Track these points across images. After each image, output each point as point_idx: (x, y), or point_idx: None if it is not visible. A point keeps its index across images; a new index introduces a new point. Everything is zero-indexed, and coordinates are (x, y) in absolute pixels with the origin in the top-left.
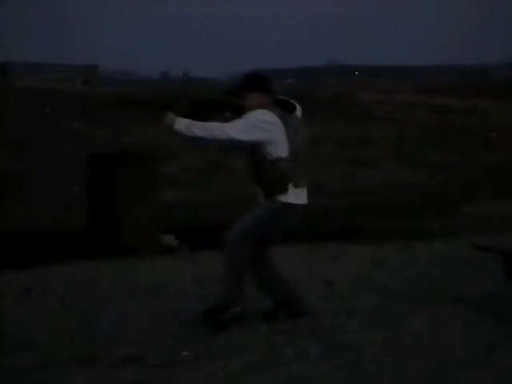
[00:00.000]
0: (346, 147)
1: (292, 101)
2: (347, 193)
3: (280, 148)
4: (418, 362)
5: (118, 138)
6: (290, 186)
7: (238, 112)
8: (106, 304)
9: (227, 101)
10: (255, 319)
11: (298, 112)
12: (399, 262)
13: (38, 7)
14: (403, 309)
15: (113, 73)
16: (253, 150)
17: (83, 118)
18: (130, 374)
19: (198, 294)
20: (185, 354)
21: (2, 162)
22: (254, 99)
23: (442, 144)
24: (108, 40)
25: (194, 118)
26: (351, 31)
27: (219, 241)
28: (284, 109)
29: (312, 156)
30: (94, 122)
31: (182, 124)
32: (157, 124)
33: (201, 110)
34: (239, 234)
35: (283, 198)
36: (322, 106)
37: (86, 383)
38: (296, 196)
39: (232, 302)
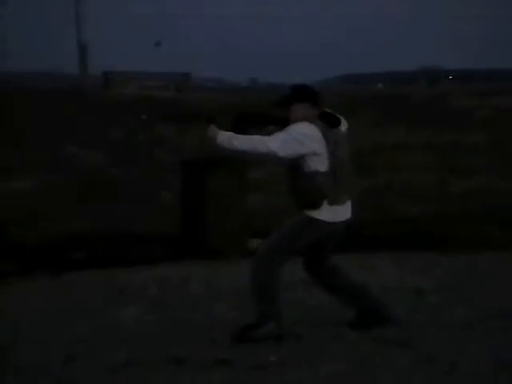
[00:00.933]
0: (438, 153)
1: (338, 115)
2: (439, 200)
3: (319, 162)
4: None
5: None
6: (325, 202)
7: (281, 125)
8: (195, 306)
9: (271, 114)
10: (342, 327)
11: (343, 127)
12: (493, 273)
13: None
14: (498, 322)
15: (204, 80)
16: (292, 161)
17: (175, 125)
18: (219, 375)
19: (284, 298)
20: (273, 358)
21: (99, 166)
22: (299, 110)
23: None
24: (200, 47)
25: (238, 132)
26: (444, 34)
27: None
28: (329, 123)
29: (403, 162)
30: (185, 128)
31: (224, 137)
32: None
33: (244, 124)
34: (265, 249)
35: (314, 214)
36: (414, 110)
37: (177, 383)
38: (330, 213)
39: (264, 319)
